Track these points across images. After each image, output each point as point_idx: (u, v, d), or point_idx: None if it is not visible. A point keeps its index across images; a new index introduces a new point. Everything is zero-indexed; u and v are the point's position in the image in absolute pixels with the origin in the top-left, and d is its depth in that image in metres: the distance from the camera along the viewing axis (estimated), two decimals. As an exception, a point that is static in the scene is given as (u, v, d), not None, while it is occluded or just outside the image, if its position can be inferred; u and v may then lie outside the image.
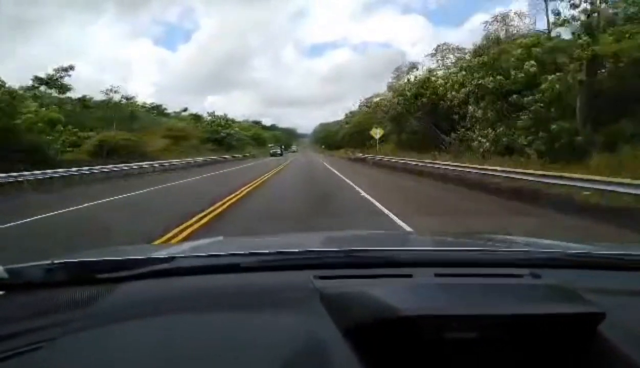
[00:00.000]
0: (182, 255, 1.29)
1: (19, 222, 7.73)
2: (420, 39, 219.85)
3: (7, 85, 21.80)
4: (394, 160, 25.51)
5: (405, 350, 0.82)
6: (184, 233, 6.33)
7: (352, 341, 0.78)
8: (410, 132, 32.67)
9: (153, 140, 38.27)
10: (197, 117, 63.77)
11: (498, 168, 13.42)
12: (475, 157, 19.22)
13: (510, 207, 9.43)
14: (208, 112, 64.68)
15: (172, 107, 69.79)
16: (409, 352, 0.83)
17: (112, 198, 11.48)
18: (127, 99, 41.14)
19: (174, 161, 30.97)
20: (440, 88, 26.55)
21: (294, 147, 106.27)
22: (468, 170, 15.18)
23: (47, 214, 8.60)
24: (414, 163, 21.45)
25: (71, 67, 33.47)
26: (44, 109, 27.19)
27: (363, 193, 11.37)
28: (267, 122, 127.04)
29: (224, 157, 44.16)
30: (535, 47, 18.70)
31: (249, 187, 13.90)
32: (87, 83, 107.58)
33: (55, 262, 1.10)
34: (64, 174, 17.65)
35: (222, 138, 56.69)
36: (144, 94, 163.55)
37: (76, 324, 0.87)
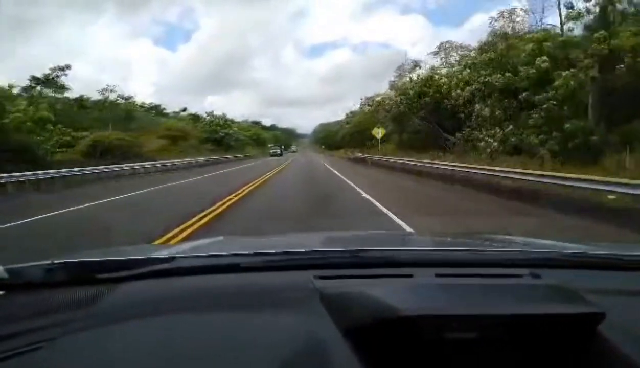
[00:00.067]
0: (182, 255, 1.29)
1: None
2: (420, 39, 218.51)
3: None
4: (392, 160, 25.44)
5: (405, 350, 0.82)
6: (184, 233, 6.34)
7: (352, 341, 0.78)
8: (412, 132, 32.54)
9: (150, 140, 38.10)
10: (195, 117, 63.70)
11: (513, 169, 12.35)
12: (481, 158, 18.57)
13: (538, 214, 8.17)
14: (207, 112, 64.75)
15: (171, 107, 70.04)
16: (409, 352, 0.83)
17: (112, 199, 11.46)
18: (125, 98, 41.09)
19: (176, 161, 30.98)
20: (444, 86, 26.25)
21: (293, 147, 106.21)
22: (475, 171, 14.31)
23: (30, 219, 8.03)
24: (413, 163, 21.26)
25: (68, 67, 33.51)
26: (31, 107, 26.64)
27: (364, 194, 11.36)
28: (267, 122, 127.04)
29: (226, 157, 44.17)
30: (546, 42, 18.07)
31: (249, 187, 13.93)
32: (87, 83, 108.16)
33: (56, 262, 1.10)
34: (55, 175, 16.95)
35: (220, 138, 56.67)
36: (144, 94, 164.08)
37: (76, 324, 0.87)
